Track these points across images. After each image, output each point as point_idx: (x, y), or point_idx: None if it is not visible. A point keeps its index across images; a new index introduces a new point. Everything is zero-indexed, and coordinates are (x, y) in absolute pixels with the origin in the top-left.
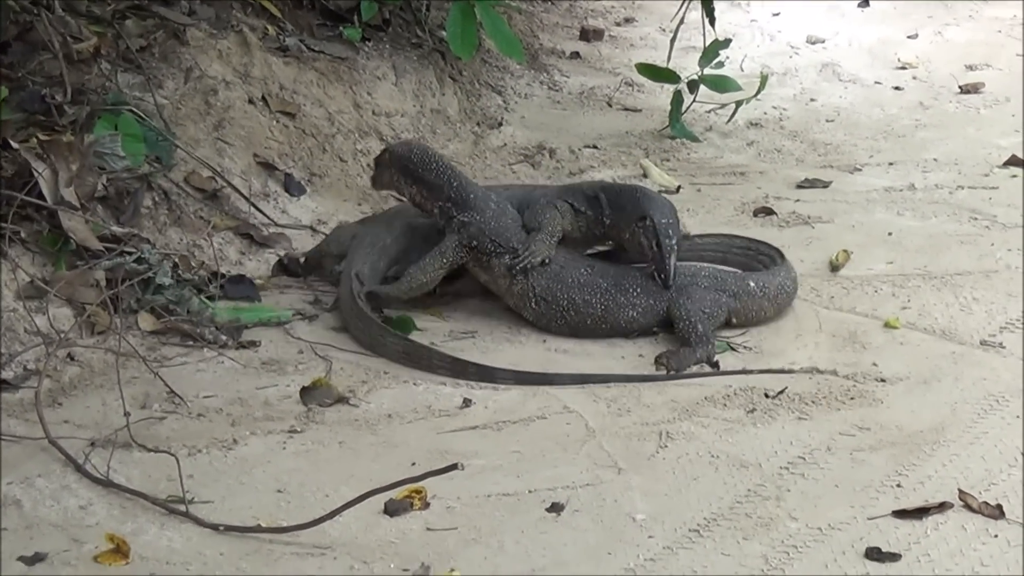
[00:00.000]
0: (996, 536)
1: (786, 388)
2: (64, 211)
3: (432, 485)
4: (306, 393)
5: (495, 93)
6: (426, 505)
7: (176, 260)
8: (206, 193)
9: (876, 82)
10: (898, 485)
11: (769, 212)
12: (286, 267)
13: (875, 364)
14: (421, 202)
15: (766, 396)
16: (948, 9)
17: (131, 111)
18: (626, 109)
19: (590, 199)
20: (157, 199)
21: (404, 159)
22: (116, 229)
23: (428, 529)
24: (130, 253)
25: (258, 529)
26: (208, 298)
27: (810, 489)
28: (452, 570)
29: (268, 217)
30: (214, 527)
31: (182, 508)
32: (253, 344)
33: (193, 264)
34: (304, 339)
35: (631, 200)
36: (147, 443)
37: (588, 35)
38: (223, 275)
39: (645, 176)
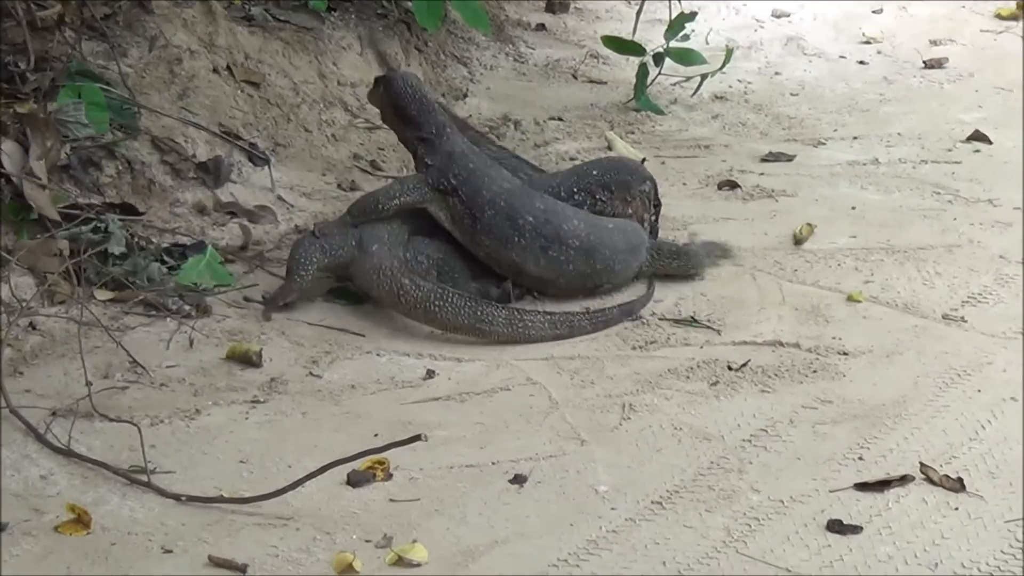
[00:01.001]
0: (957, 509)
1: (749, 361)
2: (29, 181)
3: (395, 456)
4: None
5: (460, 64)
6: (389, 476)
7: (135, 229)
8: (171, 163)
9: (841, 56)
10: (860, 458)
11: (733, 185)
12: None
13: (838, 337)
14: (401, 135)
15: (729, 369)
16: None
17: (96, 79)
18: (591, 81)
19: (600, 184)
20: (120, 168)
21: (393, 90)
22: (81, 200)
23: (391, 500)
24: (90, 220)
25: (220, 500)
26: (170, 268)
27: (772, 462)
28: (414, 541)
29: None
30: (176, 497)
31: (144, 478)
32: (213, 312)
33: (154, 233)
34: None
35: (625, 171)
36: (109, 413)
37: (554, 7)
38: (183, 245)
39: (610, 148)
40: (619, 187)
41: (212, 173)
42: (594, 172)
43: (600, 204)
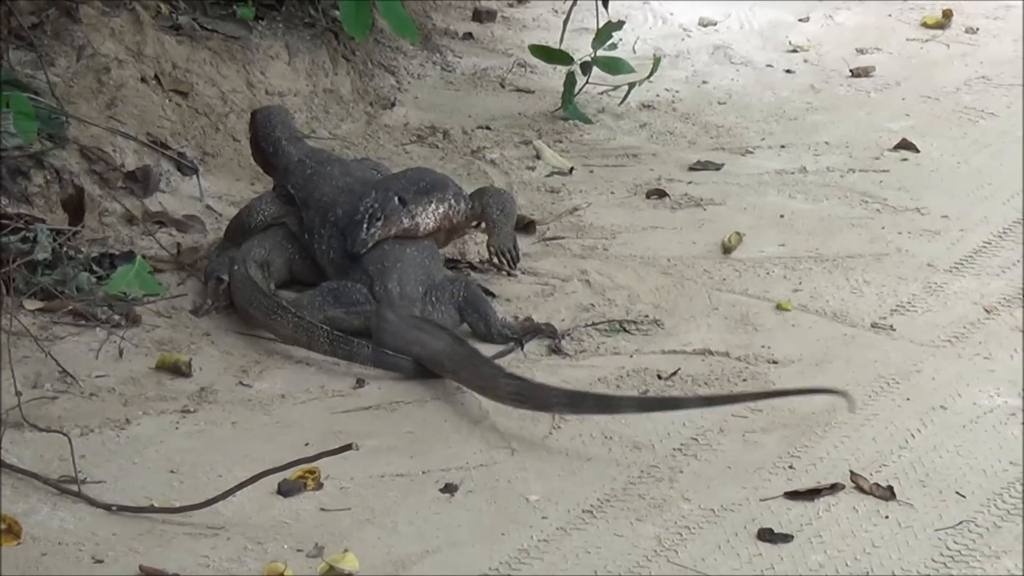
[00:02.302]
0: (887, 517)
1: (679, 369)
2: None
3: (326, 465)
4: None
5: (388, 73)
6: (320, 486)
7: (62, 239)
8: (100, 173)
9: (768, 65)
10: (790, 467)
11: (662, 194)
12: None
13: (767, 346)
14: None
15: (659, 378)
16: None
17: (23, 88)
18: (519, 90)
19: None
20: (49, 177)
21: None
22: (10, 210)
23: (322, 509)
24: (19, 231)
25: (151, 509)
26: (99, 278)
27: (703, 470)
28: (345, 551)
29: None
30: (107, 507)
31: (74, 488)
32: (142, 322)
33: (83, 243)
34: (197, 319)
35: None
36: (39, 423)
37: (481, 16)
38: (112, 254)
39: (538, 157)
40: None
41: (141, 182)
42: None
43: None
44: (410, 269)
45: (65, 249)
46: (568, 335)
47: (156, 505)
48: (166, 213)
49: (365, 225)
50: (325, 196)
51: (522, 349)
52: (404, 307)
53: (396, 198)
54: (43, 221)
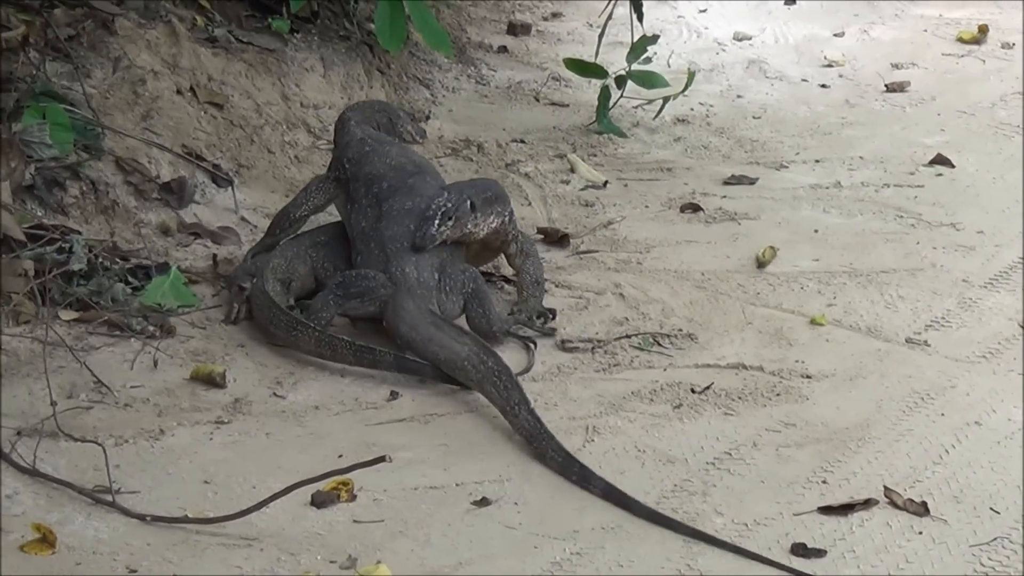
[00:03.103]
0: (921, 533)
1: (712, 384)
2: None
3: (359, 477)
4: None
5: (423, 86)
6: (353, 497)
7: (99, 249)
8: (135, 184)
9: (802, 79)
10: (823, 481)
11: (696, 208)
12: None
13: (801, 361)
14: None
15: (692, 392)
16: (874, 8)
17: (60, 100)
18: (553, 104)
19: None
20: (85, 188)
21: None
22: (46, 220)
23: (355, 521)
24: (55, 241)
25: (185, 520)
26: (134, 289)
27: (736, 485)
28: (378, 563)
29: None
30: (141, 517)
31: (108, 498)
32: (177, 333)
33: (117, 254)
34: (231, 330)
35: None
36: (74, 433)
37: (516, 29)
38: (147, 265)
39: (573, 171)
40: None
41: (176, 194)
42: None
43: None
44: (427, 254)
45: (100, 260)
46: (602, 348)
47: (190, 516)
48: (201, 225)
49: (437, 222)
50: (375, 170)
51: (534, 349)
52: (422, 296)
53: (469, 202)
54: (79, 233)
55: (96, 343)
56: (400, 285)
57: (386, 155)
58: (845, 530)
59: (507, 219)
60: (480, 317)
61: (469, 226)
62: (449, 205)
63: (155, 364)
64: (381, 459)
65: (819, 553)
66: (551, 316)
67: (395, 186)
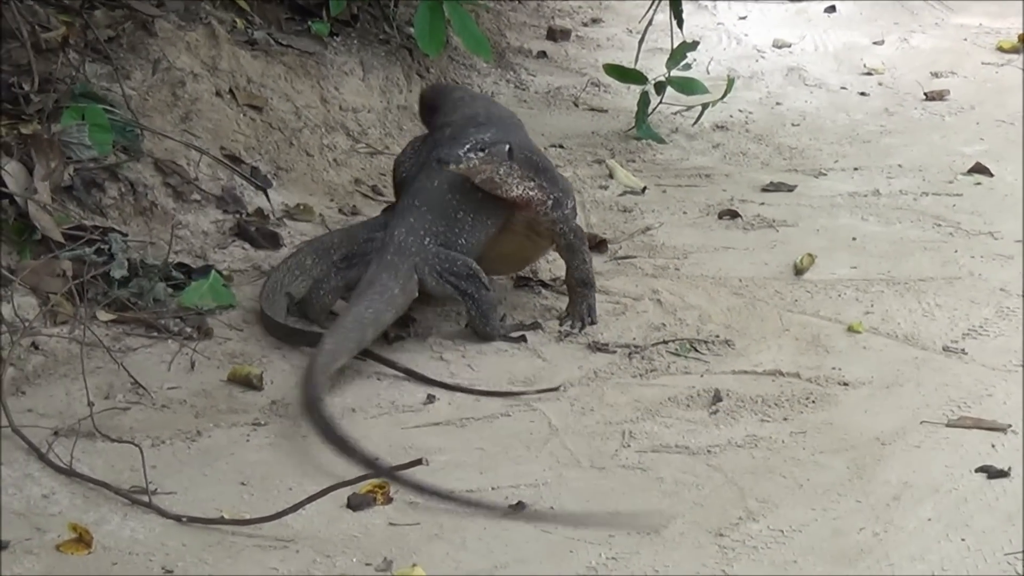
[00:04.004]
0: (957, 540)
1: (721, 399)
2: (33, 202)
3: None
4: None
5: None
6: (389, 500)
7: (138, 252)
8: (174, 186)
9: (842, 87)
10: (859, 488)
11: (734, 215)
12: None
13: (838, 368)
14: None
15: (718, 399)
16: (914, 16)
17: (99, 101)
18: (592, 109)
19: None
20: (123, 190)
21: None
22: (85, 221)
23: (391, 524)
24: (94, 242)
25: (221, 521)
26: (173, 288)
27: (773, 490)
28: (414, 565)
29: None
30: (177, 518)
31: (145, 499)
32: (214, 335)
33: (156, 255)
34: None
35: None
36: (111, 433)
37: (555, 35)
38: (188, 266)
39: (611, 176)
40: None
41: (228, 202)
42: None
43: None
44: (428, 223)
45: (140, 259)
46: (639, 353)
47: (226, 517)
48: (240, 227)
49: (468, 146)
50: (448, 119)
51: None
52: (391, 264)
53: (508, 146)
54: (121, 233)
55: (134, 344)
56: (383, 250)
57: (468, 106)
58: (880, 536)
59: (549, 199)
60: (476, 319)
61: (501, 171)
62: (486, 138)
63: (192, 366)
64: (418, 462)
65: (855, 560)
66: (588, 320)
67: (453, 135)
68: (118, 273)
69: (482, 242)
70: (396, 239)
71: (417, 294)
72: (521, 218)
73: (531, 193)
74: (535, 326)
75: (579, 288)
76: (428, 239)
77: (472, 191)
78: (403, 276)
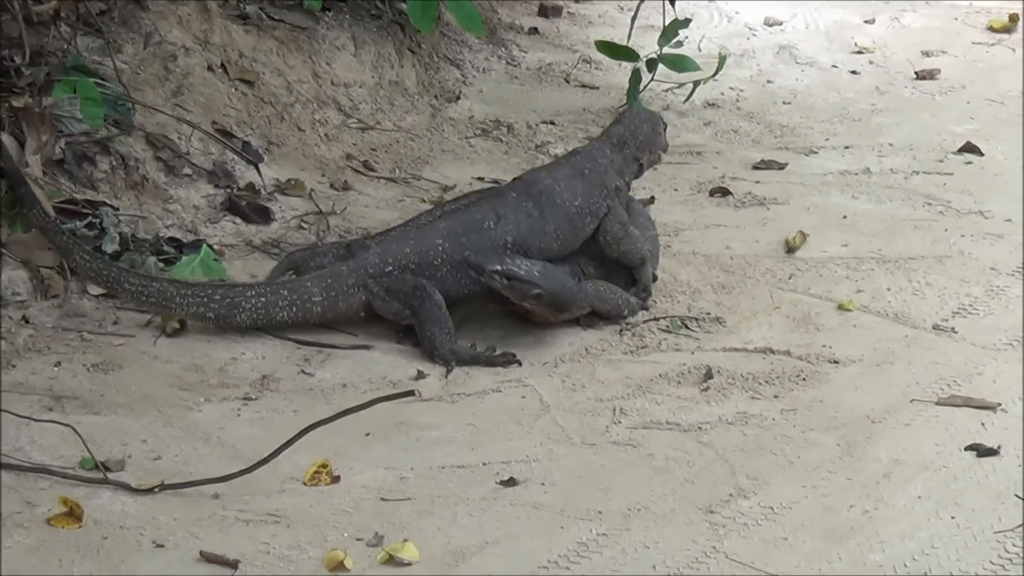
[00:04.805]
0: (946, 518)
1: (712, 378)
2: (26, 176)
3: (386, 456)
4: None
5: (453, 67)
6: (335, 479)
7: (129, 226)
8: (165, 160)
9: (833, 66)
10: (849, 465)
11: (725, 192)
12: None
13: (828, 346)
14: None
15: (707, 378)
16: None
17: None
18: (584, 86)
19: (627, 163)
20: (115, 163)
21: None
22: (76, 195)
23: (382, 499)
24: (86, 215)
25: (199, 483)
26: (165, 262)
27: (763, 467)
28: (405, 540)
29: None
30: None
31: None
32: None
33: (147, 229)
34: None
35: (651, 124)
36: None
37: (547, 11)
38: (179, 240)
39: None
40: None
41: (220, 176)
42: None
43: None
44: (403, 255)
45: (132, 233)
46: (630, 330)
47: (212, 486)
48: (230, 201)
49: (499, 268)
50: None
51: (452, 370)
52: (336, 273)
53: (538, 292)
54: (115, 208)
55: (123, 318)
56: (345, 258)
57: (544, 172)
58: (871, 514)
59: (560, 319)
60: (423, 340)
61: (515, 301)
62: (522, 273)
63: (182, 339)
64: (409, 393)
65: (844, 537)
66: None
67: (490, 196)
68: (110, 248)
69: (453, 296)
70: (363, 255)
71: (359, 313)
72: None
73: (545, 315)
74: (508, 360)
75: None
76: (393, 268)
77: (462, 246)
78: (338, 289)
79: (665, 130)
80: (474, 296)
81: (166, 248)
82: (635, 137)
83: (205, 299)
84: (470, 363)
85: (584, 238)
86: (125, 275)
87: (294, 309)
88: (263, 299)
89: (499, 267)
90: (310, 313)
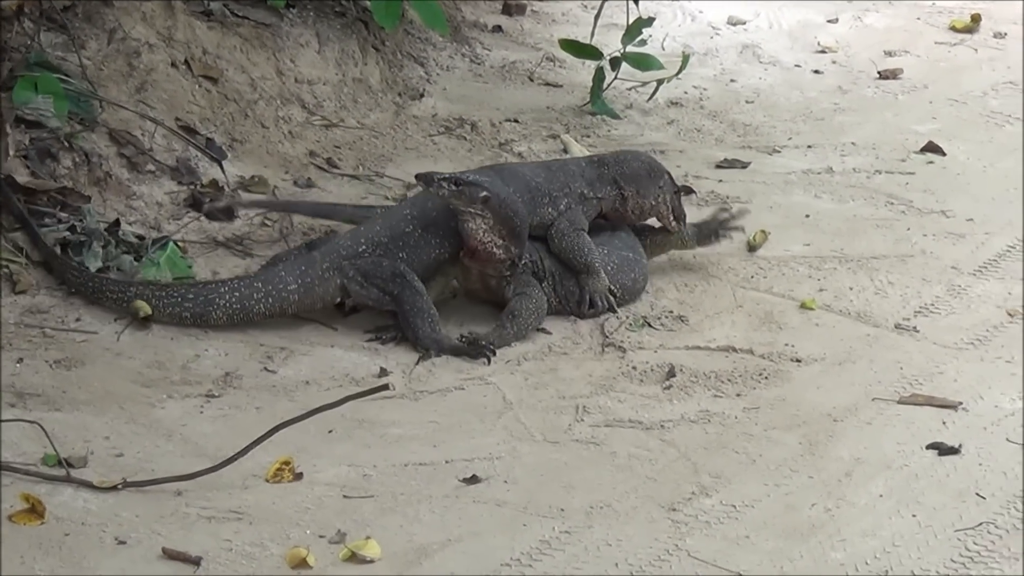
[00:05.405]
0: (907, 517)
1: (675, 376)
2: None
3: (349, 453)
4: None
5: (417, 64)
6: (298, 476)
7: (108, 223)
8: (128, 156)
9: (796, 65)
10: (811, 464)
11: (688, 191)
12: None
13: (791, 344)
14: None
15: (670, 376)
16: None
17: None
18: (547, 84)
19: (602, 181)
20: (77, 160)
21: None
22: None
23: (345, 496)
24: (54, 215)
25: (158, 481)
26: (135, 259)
27: (725, 466)
28: (368, 538)
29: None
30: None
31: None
32: None
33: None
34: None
35: (645, 166)
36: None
37: (511, 9)
38: (142, 237)
39: (566, 151)
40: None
41: (183, 173)
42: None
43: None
44: (375, 232)
45: (106, 230)
46: (597, 329)
47: (176, 486)
48: (194, 198)
49: (448, 176)
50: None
51: (431, 358)
52: (309, 259)
53: (485, 194)
54: (88, 199)
55: (86, 314)
56: (315, 245)
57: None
58: (833, 512)
59: (511, 257)
60: (405, 328)
61: (471, 209)
62: (470, 178)
63: (146, 336)
64: (384, 387)
65: (806, 535)
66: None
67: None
68: (93, 265)
69: (425, 263)
70: (334, 240)
71: (335, 298)
72: (475, 266)
73: (492, 249)
74: (487, 352)
75: (506, 319)
76: (366, 247)
77: (427, 209)
78: (313, 275)
79: (668, 183)
80: (445, 262)
81: (131, 241)
82: (619, 165)
83: (179, 299)
84: (451, 353)
85: (541, 220)
86: (107, 283)
87: (270, 300)
88: (237, 294)
89: (447, 174)
90: (287, 303)
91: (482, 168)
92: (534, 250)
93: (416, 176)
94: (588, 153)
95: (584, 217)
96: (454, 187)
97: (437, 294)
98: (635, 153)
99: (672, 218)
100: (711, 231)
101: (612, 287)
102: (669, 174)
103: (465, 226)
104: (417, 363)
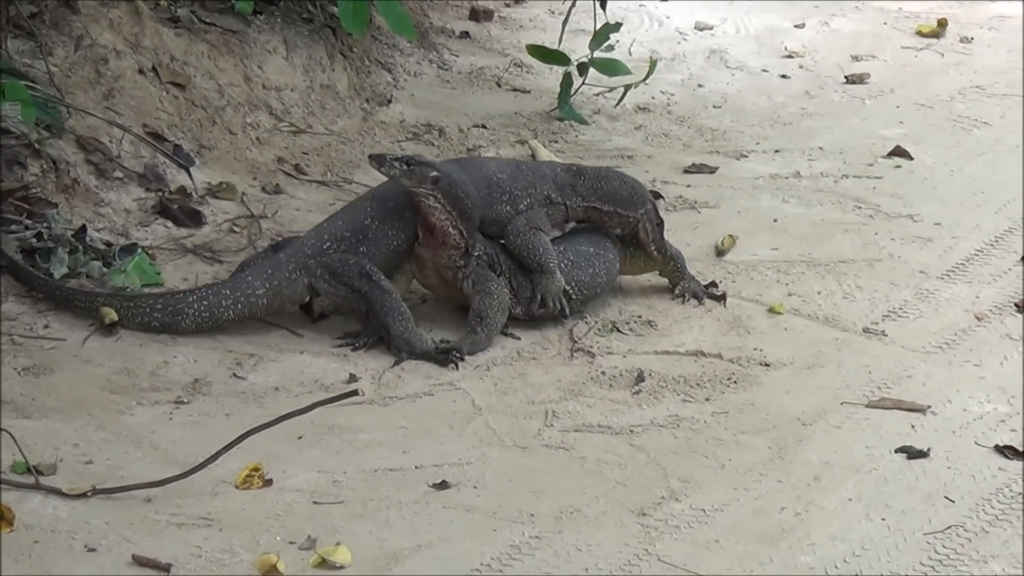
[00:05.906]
0: (877, 520)
1: (643, 380)
2: None
3: (319, 459)
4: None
5: (385, 70)
6: (267, 483)
7: (74, 229)
8: (96, 163)
9: (763, 70)
10: (781, 468)
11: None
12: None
13: (759, 349)
14: None
15: (639, 380)
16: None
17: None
18: (515, 90)
19: (574, 191)
20: (45, 167)
21: None
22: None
23: (315, 503)
24: (20, 222)
25: (128, 488)
26: (106, 265)
27: (695, 470)
28: (338, 544)
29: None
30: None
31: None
32: None
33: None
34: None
35: (628, 188)
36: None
37: (478, 15)
38: (110, 244)
39: (534, 157)
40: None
41: (151, 180)
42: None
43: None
44: (337, 228)
45: (73, 236)
46: (566, 335)
47: (145, 493)
48: (162, 204)
49: (400, 156)
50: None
51: (399, 363)
52: (275, 261)
53: (435, 174)
54: (55, 205)
55: (54, 321)
56: (280, 247)
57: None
58: (802, 516)
59: (464, 242)
60: (377, 329)
61: (422, 188)
62: (421, 158)
63: (115, 342)
64: (353, 393)
65: (776, 539)
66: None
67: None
68: (58, 272)
69: (384, 254)
70: (298, 240)
71: (304, 298)
72: (428, 255)
73: (448, 229)
74: (455, 358)
75: (475, 321)
76: (330, 244)
77: (385, 200)
78: (280, 277)
79: (651, 212)
80: (403, 253)
81: (100, 248)
82: (598, 180)
83: (148, 309)
84: (420, 357)
85: (497, 216)
86: (74, 293)
87: (239, 306)
88: (206, 302)
89: (399, 155)
90: (256, 307)
91: (447, 159)
92: (490, 244)
93: (369, 156)
94: (557, 159)
95: (546, 219)
96: (405, 167)
97: (401, 292)
98: (621, 175)
99: (652, 248)
100: (695, 289)
101: (568, 287)
102: (654, 204)
103: (420, 205)
104: (393, 366)
